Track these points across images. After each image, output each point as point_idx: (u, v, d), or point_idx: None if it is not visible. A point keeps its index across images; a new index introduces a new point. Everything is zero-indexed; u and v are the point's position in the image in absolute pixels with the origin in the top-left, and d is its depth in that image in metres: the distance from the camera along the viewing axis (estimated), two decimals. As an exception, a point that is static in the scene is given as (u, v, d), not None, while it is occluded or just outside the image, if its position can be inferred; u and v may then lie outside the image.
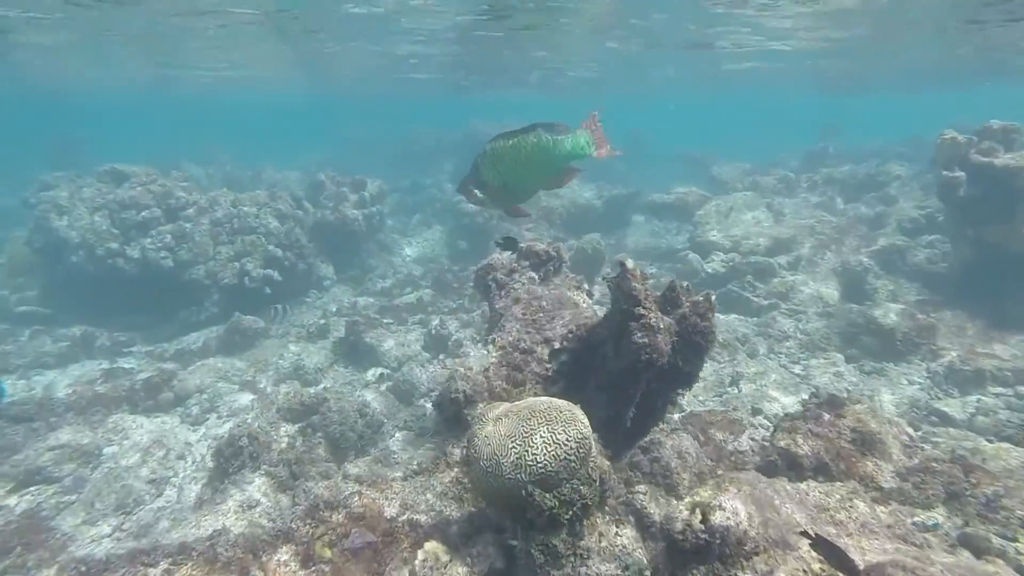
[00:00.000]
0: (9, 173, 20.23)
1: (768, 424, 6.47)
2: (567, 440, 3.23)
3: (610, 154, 3.57)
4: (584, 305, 5.51)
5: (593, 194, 14.09)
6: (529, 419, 3.34)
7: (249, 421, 5.88)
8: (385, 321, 9.44)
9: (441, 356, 8.59)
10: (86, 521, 5.16)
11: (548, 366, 4.77)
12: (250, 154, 23.23)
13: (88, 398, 7.23)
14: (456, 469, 4.43)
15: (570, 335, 4.75)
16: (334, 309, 10.23)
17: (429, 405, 7.36)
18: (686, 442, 5.26)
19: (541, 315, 5.05)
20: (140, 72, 20.16)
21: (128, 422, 6.74)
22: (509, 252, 5.64)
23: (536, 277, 5.56)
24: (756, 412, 6.64)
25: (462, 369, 4.74)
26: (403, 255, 12.75)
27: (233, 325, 9.06)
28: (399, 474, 5.51)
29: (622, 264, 4.04)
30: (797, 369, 7.55)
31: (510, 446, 3.24)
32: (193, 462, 6.14)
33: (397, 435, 6.67)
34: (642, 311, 3.93)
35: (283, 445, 5.81)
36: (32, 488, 5.71)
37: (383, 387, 7.81)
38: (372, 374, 8.05)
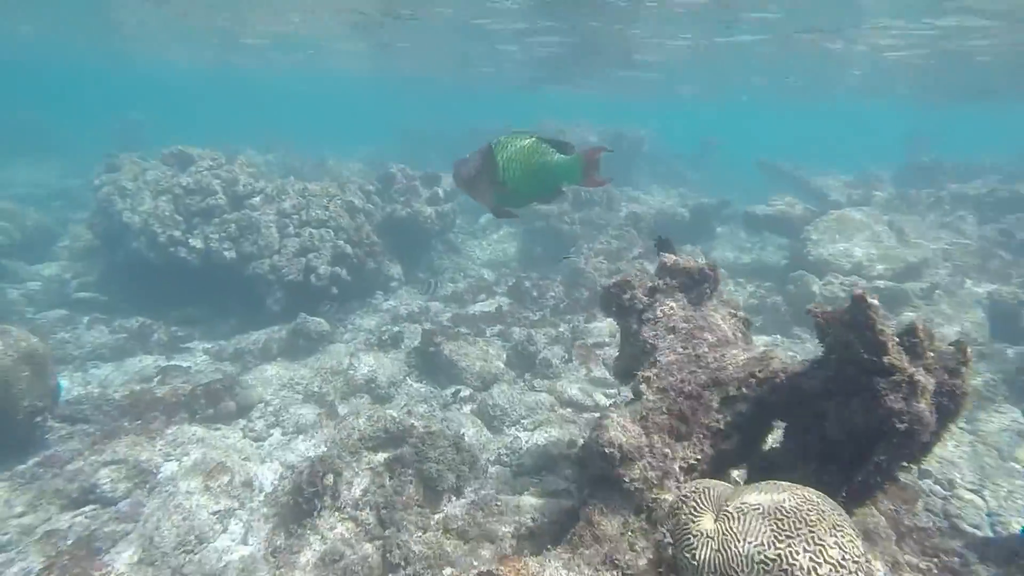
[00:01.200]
0: (75, 153, 20.22)
1: (942, 491, 5.31)
2: (842, 559, 2.23)
3: (598, 184, 3.68)
4: (741, 337, 4.48)
5: (677, 201, 12.98)
6: (780, 521, 2.32)
7: (328, 451, 5.04)
8: (461, 331, 8.56)
9: (527, 375, 7.66)
10: (143, 560, 4.38)
11: (719, 416, 3.76)
12: (308, 143, 22.82)
13: (146, 402, 6.54)
14: (608, 545, 3.47)
15: (751, 379, 3.74)
16: (404, 313, 9.40)
17: (523, 435, 6.43)
18: (871, 519, 4.18)
19: (706, 350, 4.04)
20: (206, 45, 19.83)
21: (187, 435, 5.99)
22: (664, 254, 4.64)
23: (685, 300, 4.55)
24: (924, 475, 5.49)
25: (614, 415, 3.76)
26: (473, 257, 11.87)
27: (298, 327, 8.31)
28: (509, 529, 4.57)
29: (861, 298, 3.02)
30: (959, 420, 6.33)
31: (757, 559, 2.24)
32: (260, 490, 5.33)
33: (491, 470, 5.76)
34: (894, 362, 2.90)
35: (366, 482, 4.95)
36: (86, 508, 4.99)
37: (467, 409, 6.91)
38: (452, 392, 7.16)
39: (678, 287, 4.62)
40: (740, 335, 4.45)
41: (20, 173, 19.27)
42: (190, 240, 9.03)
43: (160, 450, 5.77)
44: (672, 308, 4.43)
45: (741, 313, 4.65)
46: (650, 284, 4.76)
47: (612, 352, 8.23)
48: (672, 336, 4.17)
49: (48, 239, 12.22)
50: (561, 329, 8.53)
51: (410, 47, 17.27)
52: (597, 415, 7.01)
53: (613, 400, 6.92)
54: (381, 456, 5.24)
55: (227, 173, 9.66)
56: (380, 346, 8.12)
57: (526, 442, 6.25)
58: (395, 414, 5.63)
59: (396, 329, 8.26)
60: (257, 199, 9.49)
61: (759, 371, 3.69)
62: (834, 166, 18.76)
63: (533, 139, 3.49)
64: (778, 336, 8.53)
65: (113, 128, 21.23)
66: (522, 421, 6.64)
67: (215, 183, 9.44)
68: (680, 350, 4.06)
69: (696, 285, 4.59)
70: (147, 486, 5.23)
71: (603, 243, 10.30)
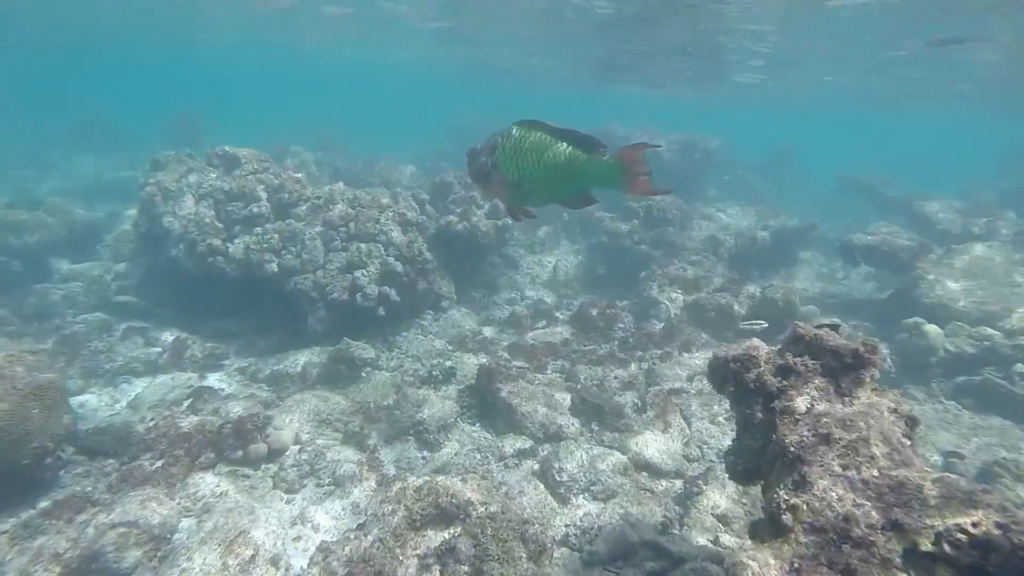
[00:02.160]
0: (139, 145, 20.20)
1: None
2: None
3: (649, 193, 2.90)
4: (910, 447, 3.37)
5: (756, 221, 11.71)
6: None
7: (368, 536, 4.18)
8: (518, 364, 7.64)
9: (594, 425, 6.68)
10: (141, 668, 3.61)
11: (901, 576, 2.70)
12: (360, 137, 22.32)
13: (171, 437, 5.86)
14: None
15: (958, 534, 2.66)
16: (456, 337, 8.54)
17: (593, 508, 5.46)
18: None
19: (875, 474, 2.97)
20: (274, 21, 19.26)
21: (210, 487, 5.27)
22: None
23: (830, 388, 3.48)
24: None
25: (754, 565, 2.76)
26: (532, 276, 10.92)
27: (340, 352, 7.54)
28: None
29: None
30: None
31: None
32: (287, 569, 4.53)
33: (556, 554, 4.82)
34: None
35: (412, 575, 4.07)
36: (85, 582, 4.29)
37: (526, 466, 5.98)
38: (511, 445, 6.23)
39: (820, 371, 3.56)
40: (908, 443, 3.35)
41: (85, 165, 19.38)
42: (230, 249, 8.39)
43: (178, 504, 5.06)
44: (819, 402, 3.36)
45: (905, 408, 3.54)
46: (780, 362, 3.71)
47: (693, 402, 7.16)
48: (825, 447, 3.12)
49: (95, 235, 11.90)
50: (632, 369, 7.50)
51: (489, 25, 16.05)
52: (678, 485, 6.00)
53: (699, 472, 5.87)
54: (431, 540, 4.36)
55: (273, 178, 9.00)
56: (429, 380, 7.27)
57: (597, 517, 5.29)
58: (448, 484, 4.73)
59: (448, 364, 7.39)
60: (303, 208, 8.78)
61: (971, 524, 2.62)
62: (923, 183, 16.99)
63: (551, 132, 2.91)
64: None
65: (169, 121, 21.13)
66: (591, 488, 5.66)
67: (259, 189, 8.78)
68: (838, 470, 3.01)
69: (847, 370, 3.51)
70: (158, 555, 4.50)
71: (678, 270, 9.17)
